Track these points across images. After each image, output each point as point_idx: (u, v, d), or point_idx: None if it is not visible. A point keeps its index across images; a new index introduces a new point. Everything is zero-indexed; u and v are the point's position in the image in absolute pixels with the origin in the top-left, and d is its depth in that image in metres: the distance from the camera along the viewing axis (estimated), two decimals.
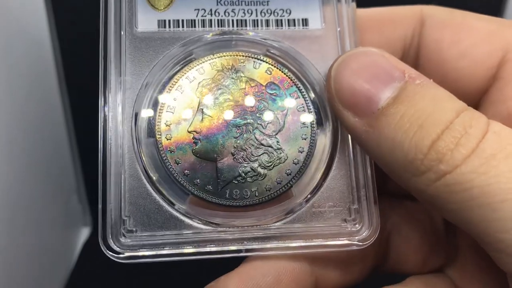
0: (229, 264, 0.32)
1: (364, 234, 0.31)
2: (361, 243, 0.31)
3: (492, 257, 0.27)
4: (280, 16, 0.34)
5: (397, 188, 0.36)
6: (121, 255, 0.30)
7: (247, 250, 0.31)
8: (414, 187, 0.27)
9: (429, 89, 0.27)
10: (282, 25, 0.34)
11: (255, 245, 0.31)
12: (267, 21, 0.34)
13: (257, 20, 0.34)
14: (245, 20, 0.34)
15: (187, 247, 0.30)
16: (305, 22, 0.34)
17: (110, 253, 0.30)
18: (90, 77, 0.52)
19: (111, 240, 0.30)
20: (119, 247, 0.30)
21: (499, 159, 0.25)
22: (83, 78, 0.60)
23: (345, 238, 0.31)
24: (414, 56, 0.34)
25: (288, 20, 0.34)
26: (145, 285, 0.59)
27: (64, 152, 0.65)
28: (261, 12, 0.34)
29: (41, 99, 0.59)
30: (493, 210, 0.25)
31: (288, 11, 0.34)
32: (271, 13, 0.34)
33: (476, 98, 0.33)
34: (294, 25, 0.34)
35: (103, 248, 0.30)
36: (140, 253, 0.30)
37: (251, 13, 0.34)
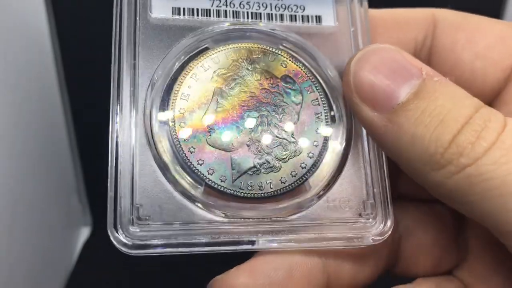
0: (240, 257, 0.30)
1: (379, 228, 0.31)
2: (376, 238, 0.31)
3: (509, 247, 0.27)
4: (294, 11, 0.34)
5: (407, 191, 0.36)
6: (130, 245, 0.28)
7: (260, 243, 0.30)
8: (432, 181, 0.27)
9: (447, 86, 0.28)
10: (296, 20, 0.34)
11: (268, 238, 0.30)
12: (282, 16, 0.34)
13: (272, 14, 0.34)
14: (260, 13, 0.34)
15: (200, 238, 0.29)
16: (318, 19, 0.34)
17: (119, 240, 0.28)
18: (91, 77, 0.51)
19: (120, 230, 0.28)
20: (129, 237, 0.28)
21: None
22: (83, 78, 0.59)
23: (360, 233, 0.31)
24: (426, 58, 0.35)
25: (302, 16, 0.34)
26: (146, 284, 0.57)
27: (64, 152, 0.63)
28: (275, 7, 0.34)
29: (41, 99, 0.57)
30: None
31: (302, 7, 0.34)
32: (285, 8, 0.34)
33: (490, 100, 0.33)
34: (308, 21, 0.34)
35: (112, 237, 0.28)
36: (151, 243, 0.29)
37: (266, 7, 0.34)
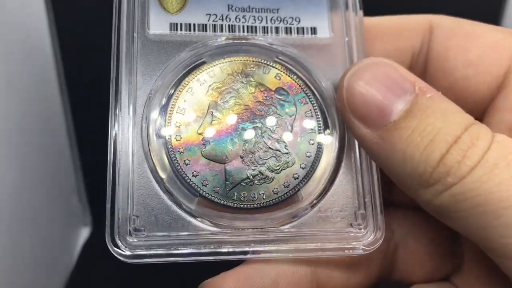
0: (231, 265, 0.32)
1: (369, 239, 0.32)
2: (367, 248, 0.31)
3: (497, 263, 0.28)
4: (290, 24, 0.35)
5: (403, 199, 0.37)
6: (127, 255, 0.30)
7: (253, 252, 0.31)
8: (421, 198, 0.28)
9: (439, 103, 0.28)
10: (291, 33, 0.35)
11: (261, 248, 0.31)
12: (277, 28, 0.35)
13: (267, 27, 0.35)
14: (255, 27, 0.34)
15: (194, 248, 0.30)
16: (313, 30, 0.35)
17: (117, 250, 0.30)
18: (90, 77, 0.52)
19: (118, 240, 0.30)
20: (126, 247, 0.30)
21: (501, 168, 0.26)
22: (83, 78, 0.60)
23: (351, 243, 0.31)
24: (423, 64, 0.35)
25: (297, 28, 0.35)
26: (145, 285, 0.59)
27: (64, 152, 0.64)
28: (271, 20, 0.35)
29: (41, 98, 0.58)
30: (496, 217, 0.25)
31: (298, 19, 0.35)
32: (280, 21, 0.35)
33: (483, 107, 0.34)
34: (303, 33, 0.35)
35: (110, 247, 0.30)
36: (147, 253, 0.30)
37: (261, 20, 0.35)
